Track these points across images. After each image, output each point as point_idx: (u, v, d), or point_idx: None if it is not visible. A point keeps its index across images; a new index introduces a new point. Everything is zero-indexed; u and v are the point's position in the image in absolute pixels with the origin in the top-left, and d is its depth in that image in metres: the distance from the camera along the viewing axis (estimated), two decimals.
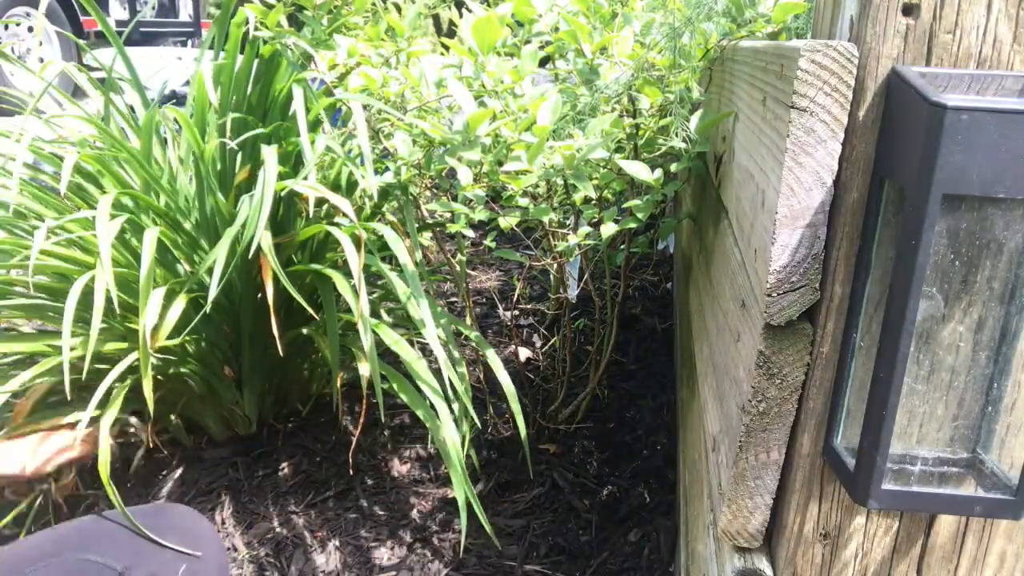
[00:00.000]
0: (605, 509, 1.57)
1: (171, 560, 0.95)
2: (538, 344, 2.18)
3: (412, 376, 1.34)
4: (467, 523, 1.30)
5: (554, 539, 1.50)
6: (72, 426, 1.34)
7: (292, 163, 1.54)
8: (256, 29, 1.43)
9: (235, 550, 1.46)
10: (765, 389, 0.71)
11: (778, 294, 0.67)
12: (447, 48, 1.45)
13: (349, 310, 1.67)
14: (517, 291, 2.51)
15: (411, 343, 1.53)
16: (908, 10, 0.60)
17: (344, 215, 1.54)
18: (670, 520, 1.52)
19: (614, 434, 1.80)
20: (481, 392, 1.92)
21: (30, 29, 5.11)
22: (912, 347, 0.61)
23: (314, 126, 1.45)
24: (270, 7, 1.41)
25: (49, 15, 5.12)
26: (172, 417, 1.64)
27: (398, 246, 1.28)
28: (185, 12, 6.95)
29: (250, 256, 1.25)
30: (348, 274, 1.36)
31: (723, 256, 1.02)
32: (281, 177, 1.30)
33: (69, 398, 1.26)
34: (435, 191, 1.71)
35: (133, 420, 1.52)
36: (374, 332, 1.33)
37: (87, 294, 1.31)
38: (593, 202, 1.53)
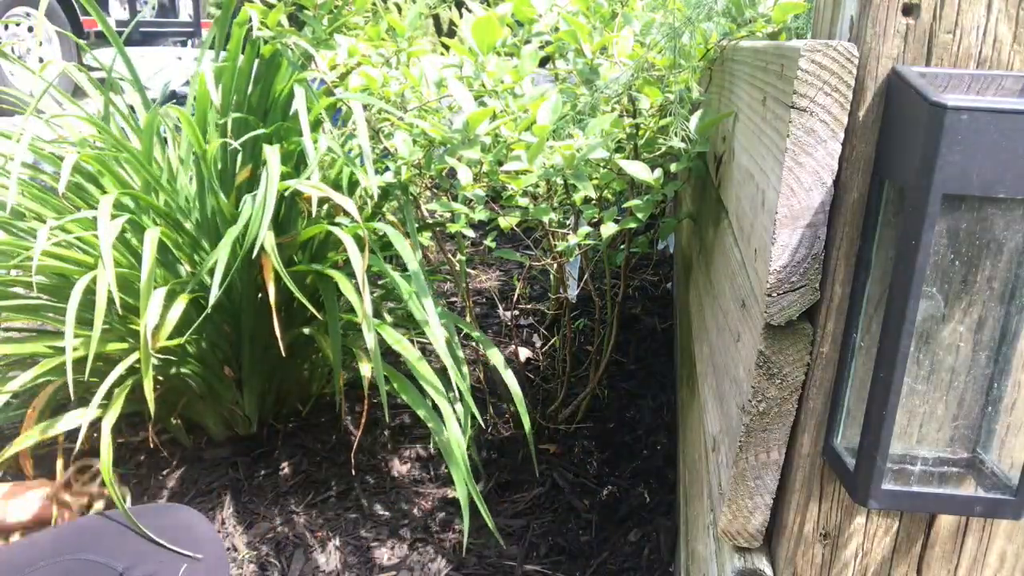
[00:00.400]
0: (605, 509, 1.57)
1: (171, 560, 0.95)
2: (538, 344, 2.18)
3: (414, 376, 1.34)
4: (469, 522, 1.30)
5: (554, 539, 1.50)
6: (48, 481, 1.33)
7: (293, 163, 1.54)
8: (257, 29, 1.43)
9: (235, 550, 1.46)
10: (765, 389, 0.71)
11: (778, 294, 0.67)
12: (447, 48, 1.45)
13: (349, 310, 1.67)
14: (517, 291, 2.51)
15: (411, 342, 1.53)
16: (908, 10, 0.60)
17: (346, 215, 1.54)
18: (670, 520, 1.52)
19: (614, 434, 1.80)
20: (481, 392, 1.92)
21: (30, 29, 5.11)
22: (912, 347, 0.61)
23: (315, 126, 1.45)
24: (271, 7, 1.41)
25: (49, 15, 5.12)
26: (172, 419, 1.64)
27: (403, 246, 1.28)
28: (185, 12, 6.95)
29: (253, 256, 1.25)
30: (349, 274, 1.36)
31: (723, 256, 1.02)
32: (283, 177, 1.30)
33: (72, 398, 1.26)
34: (435, 191, 1.71)
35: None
36: (376, 332, 1.33)
37: (87, 294, 1.31)
38: (593, 202, 1.53)
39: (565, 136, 1.34)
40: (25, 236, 1.46)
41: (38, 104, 1.40)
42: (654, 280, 2.58)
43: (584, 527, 1.53)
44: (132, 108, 1.76)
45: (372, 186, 1.25)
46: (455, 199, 1.43)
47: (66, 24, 5.27)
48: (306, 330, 1.59)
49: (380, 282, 1.82)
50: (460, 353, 1.42)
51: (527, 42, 1.41)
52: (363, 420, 1.79)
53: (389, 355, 1.95)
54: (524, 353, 2.12)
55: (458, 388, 1.33)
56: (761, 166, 0.76)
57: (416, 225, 1.50)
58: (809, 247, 0.66)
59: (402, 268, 2.14)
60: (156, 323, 1.22)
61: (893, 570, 0.73)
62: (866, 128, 0.63)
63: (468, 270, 2.73)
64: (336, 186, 1.61)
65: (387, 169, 1.42)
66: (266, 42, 1.46)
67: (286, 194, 1.52)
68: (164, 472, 1.64)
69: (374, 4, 1.60)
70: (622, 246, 1.57)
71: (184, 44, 6.95)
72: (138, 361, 1.34)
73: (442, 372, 1.51)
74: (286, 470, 1.66)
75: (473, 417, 1.44)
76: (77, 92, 4.74)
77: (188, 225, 1.49)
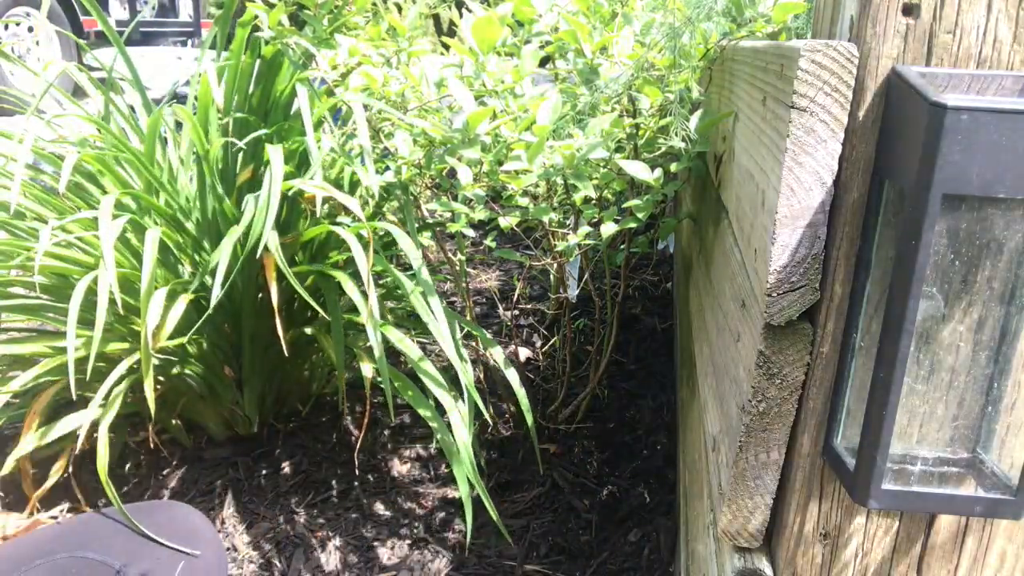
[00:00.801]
0: (605, 509, 1.57)
1: (169, 557, 0.95)
2: (538, 344, 2.19)
3: (417, 375, 1.34)
4: (471, 520, 1.30)
5: (554, 539, 1.50)
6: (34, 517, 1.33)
7: (295, 163, 1.54)
8: (258, 29, 1.43)
9: (236, 550, 1.46)
10: (765, 389, 0.71)
11: (778, 294, 0.67)
12: (447, 48, 1.45)
13: (349, 309, 1.67)
14: (517, 291, 2.51)
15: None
16: (908, 10, 0.60)
17: (348, 214, 1.54)
18: (670, 520, 1.52)
19: (614, 434, 1.80)
20: (481, 391, 1.92)
21: (30, 29, 5.11)
22: (912, 347, 0.61)
23: (317, 126, 1.45)
24: (272, 7, 1.41)
25: (49, 15, 5.12)
26: (172, 419, 1.64)
27: (408, 245, 1.28)
28: (185, 12, 6.95)
29: (256, 256, 1.25)
30: (351, 273, 1.37)
31: (723, 256, 1.02)
32: (286, 177, 1.30)
33: (74, 398, 1.26)
34: (435, 191, 1.71)
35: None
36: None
37: (88, 295, 1.31)
38: (593, 202, 1.53)
39: (565, 136, 1.34)
40: (26, 236, 1.46)
41: (39, 104, 1.40)
42: (654, 280, 2.58)
43: (584, 527, 1.53)
44: (132, 108, 1.76)
45: (373, 185, 1.26)
46: (455, 199, 1.43)
47: (66, 24, 5.27)
48: (307, 330, 1.59)
49: (381, 281, 1.82)
50: (464, 352, 1.42)
51: (527, 42, 1.41)
52: (366, 420, 1.79)
53: (389, 355, 1.95)
54: (524, 353, 2.12)
55: (465, 386, 1.33)
56: (761, 166, 0.76)
57: (416, 225, 1.50)
58: (809, 247, 0.66)
59: (403, 267, 2.14)
60: (157, 323, 1.23)
61: (893, 570, 0.73)
62: (866, 128, 0.63)
63: (468, 270, 2.73)
64: (337, 186, 1.62)
65: (387, 169, 1.42)
66: (267, 42, 1.47)
67: (289, 194, 1.53)
68: (164, 472, 1.64)
69: (374, 4, 1.60)
70: (622, 246, 1.57)
71: (184, 44, 6.95)
72: (138, 361, 1.34)
73: (442, 371, 1.51)
74: (286, 470, 1.66)
75: (475, 415, 1.44)
76: (77, 92, 4.74)
77: (189, 225, 1.49)
